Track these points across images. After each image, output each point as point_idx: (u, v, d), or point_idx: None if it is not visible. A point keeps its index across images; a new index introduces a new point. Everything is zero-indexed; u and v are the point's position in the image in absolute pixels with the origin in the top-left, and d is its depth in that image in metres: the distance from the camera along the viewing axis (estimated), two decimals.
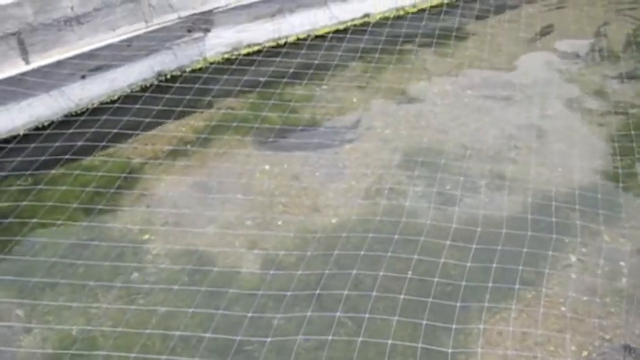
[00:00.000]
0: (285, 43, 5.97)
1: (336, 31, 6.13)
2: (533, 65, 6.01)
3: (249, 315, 3.74)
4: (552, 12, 6.84)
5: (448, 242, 4.16)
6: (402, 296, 3.83)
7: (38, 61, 4.87)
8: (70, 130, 4.88)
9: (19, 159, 4.64)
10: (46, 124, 5.00)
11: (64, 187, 4.54)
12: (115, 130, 4.90)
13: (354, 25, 6.23)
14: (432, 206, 4.46)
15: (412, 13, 6.54)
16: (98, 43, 5.06)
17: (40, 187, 4.52)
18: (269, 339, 3.62)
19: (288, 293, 3.87)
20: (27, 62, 4.85)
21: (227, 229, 4.32)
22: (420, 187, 4.62)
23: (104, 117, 4.97)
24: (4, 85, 4.73)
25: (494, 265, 4.01)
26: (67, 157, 4.70)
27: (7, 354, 3.67)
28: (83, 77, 5.08)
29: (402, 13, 6.51)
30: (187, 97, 5.26)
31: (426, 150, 4.94)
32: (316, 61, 5.71)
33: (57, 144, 4.77)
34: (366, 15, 6.33)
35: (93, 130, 4.89)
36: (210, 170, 4.80)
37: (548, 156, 4.90)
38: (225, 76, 5.49)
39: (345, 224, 4.32)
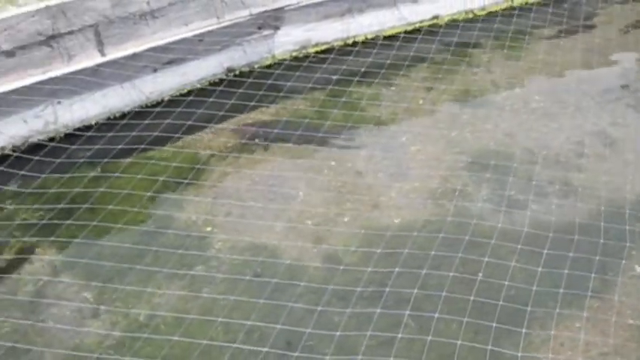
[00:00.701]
0: (354, 43, 5.98)
1: (405, 32, 6.13)
2: (606, 71, 5.90)
3: (313, 308, 3.77)
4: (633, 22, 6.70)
5: (519, 246, 4.12)
6: (471, 298, 3.82)
7: (113, 54, 5.00)
8: (142, 122, 5.00)
9: (96, 147, 4.79)
10: (117, 115, 5.13)
11: (135, 176, 4.65)
12: (185, 123, 5.00)
13: (423, 27, 6.21)
14: (499, 209, 4.42)
15: (482, 16, 6.49)
16: (171, 38, 5.17)
17: (112, 175, 4.64)
18: (337, 332, 3.65)
19: (354, 289, 3.88)
20: (102, 54, 4.98)
21: (292, 224, 4.37)
22: (487, 191, 4.58)
23: (175, 110, 5.07)
24: (80, 75, 4.87)
25: (565, 272, 3.96)
26: (138, 147, 4.83)
27: (77, 334, 3.79)
28: (155, 70, 5.19)
29: (471, 15, 6.47)
30: (255, 93, 5.33)
31: (493, 153, 4.90)
32: (384, 62, 5.72)
33: (131, 134, 4.90)
34: (435, 17, 6.31)
35: (164, 122, 4.99)
36: (276, 165, 4.85)
37: (618, 164, 4.81)
38: (293, 74, 5.54)
39: (409, 224, 4.32)
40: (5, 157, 4.80)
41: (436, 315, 3.71)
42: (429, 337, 3.60)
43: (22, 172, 4.59)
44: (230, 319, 3.74)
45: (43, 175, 4.62)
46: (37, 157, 4.72)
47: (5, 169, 4.65)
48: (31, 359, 3.63)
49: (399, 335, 3.63)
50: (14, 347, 3.68)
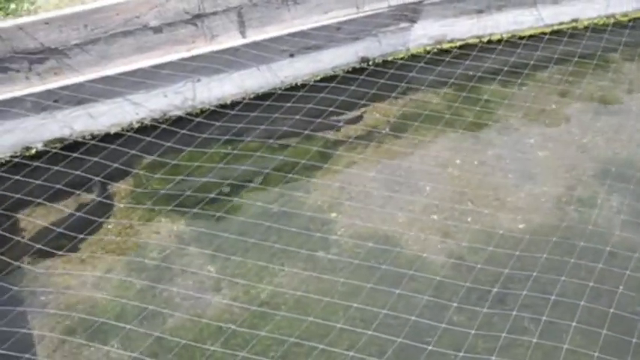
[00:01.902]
0: (489, 41, 5.91)
1: (541, 34, 5.99)
2: None
3: (426, 297, 3.81)
4: None
5: (637, 255, 4.03)
6: (581, 303, 3.76)
7: (253, 36, 5.15)
8: (275, 104, 5.11)
9: (229, 125, 4.95)
10: (251, 96, 5.28)
11: (267, 156, 4.79)
12: (316, 108, 5.08)
13: (561, 30, 6.06)
14: (625, 219, 4.31)
15: (624, 21, 6.27)
16: (310, 24, 5.27)
17: (238, 152, 4.80)
18: (443, 325, 3.67)
19: (476, 286, 3.89)
20: (243, 36, 5.13)
21: (414, 216, 4.39)
22: (615, 201, 4.46)
23: (307, 95, 5.17)
24: (221, 55, 5.05)
25: None
26: (268, 128, 4.95)
27: (198, 305, 3.96)
28: (292, 55, 5.30)
29: (612, 20, 6.26)
30: (387, 84, 5.35)
31: (624, 163, 4.76)
32: (519, 62, 5.62)
33: (263, 115, 5.02)
34: (574, 20, 6.14)
35: (296, 106, 5.09)
36: (401, 157, 4.87)
37: None
38: (426, 68, 5.53)
39: (533, 228, 4.27)
40: (144, 128, 5.05)
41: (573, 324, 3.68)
42: (534, 340, 3.58)
43: (159, 142, 4.80)
44: (350, 304, 3.81)
45: (177, 147, 4.81)
46: (173, 130, 4.93)
47: (147, 139, 4.84)
48: (155, 322, 3.83)
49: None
50: (140, 307, 3.89)
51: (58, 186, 4.47)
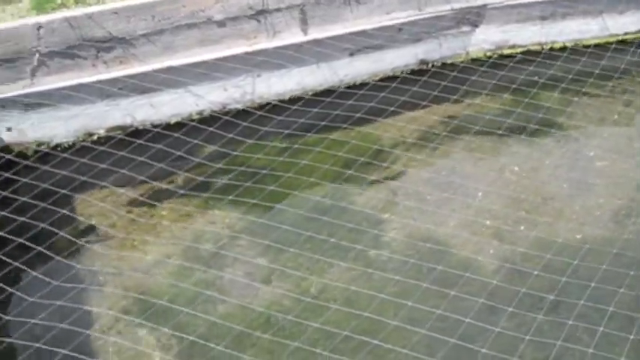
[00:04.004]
0: (551, 49, 5.85)
1: (606, 43, 5.91)
2: None
3: (481, 301, 3.78)
4: None
5: None
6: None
7: (315, 34, 5.20)
8: (334, 101, 5.15)
9: (287, 120, 5.01)
10: (310, 93, 5.32)
11: (327, 152, 4.82)
12: (374, 107, 5.11)
13: (626, 40, 5.97)
14: None
15: None
16: (371, 24, 5.29)
17: (295, 148, 4.86)
18: (496, 329, 3.64)
19: (532, 292, 3.85)
20: (305, 33, 5.19)
21: (468, 220, 4.38)
22: None
23: (366, 94, 5.19)
24: (282, 51, 5.10)
25: None
26: (327, 124, 5.00)
27: (248, 295, 4.01)
28: (352, 54, 5.33)
29: None
30: (445, 87, 5.34)
31: None
32: (581, 70, 5.55)
33: (321, 111, 5.06)
34: None
35: (354, 104, 5.12)
36: (457, 160, 4.87)
37: None
38: (485, 73, 5.50)
39: (591, 238, 4.21)
40: (203, 120, 5.12)
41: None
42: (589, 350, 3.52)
43: (218, 133, 4.88)
44: (401, 302, 3.80)
45: (236, 140, 4.89)
46: (232, 123, 5.00)
47: (209, 129, 4.95)
48: (206, 308, 3.89)
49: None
50: (193, 293, 3.95)
51: (119, 171, 4.60)
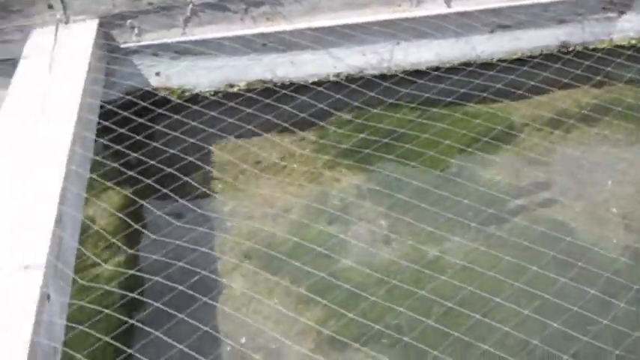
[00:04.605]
0: None
1: None
2: None
3: (592, 292, 3.76)
4: None
5: None
6: None
7: (458, 7, 5.20)
8: (467, 78, 5.18)
9: (418, 91, 5.08)
10: (447, 65, 5.37)
11: (446, 121, 4.89)
12: (507, 84, 5.10)
13: None
14: None
15: None
16: (516, 2, 5.25)
17: (425, 116, 4.94)
18: (605, 321, 3.63)
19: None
20: (448, 5, 5.21)
21: (592, 208, 4.36)
22: None
23: (504, 73, 5.19)
24: (424, 21, 5.16)
25: None
26: (454, 97, 5.06)
27: (368, 254, 4.17)
28: (491, 32, 5.33)
29: None
30: (583, 72, 5.26)
31: None
32: None
33: (451, 88, 5.10)
34: None
35: (485, 79, 5.13)
36: (588, 147, 4.83)
37: None
38: (627, 62, 5.36)
39: None
40: (339, 82, 5.27)
41: None
42: None
43: (352, 97, 5.03)
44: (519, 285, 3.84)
45: (370, 101, 5.02)
46: (365, 87, 5.13)
47: (344, 91, 5.11)
48: (324, 263, 4.06)
49: None
50: (313, 247, 4.12)
51: (253, 124, 4.81)
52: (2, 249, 3.09)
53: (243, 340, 3.80)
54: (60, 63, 4.39)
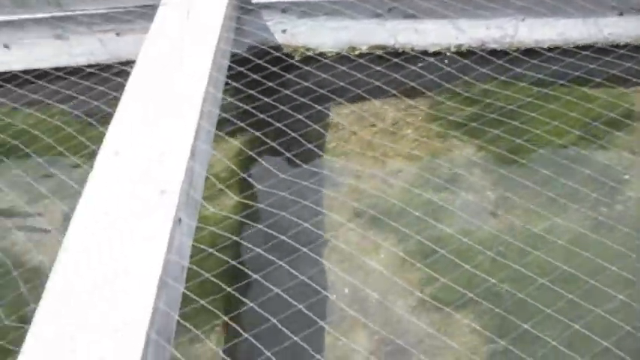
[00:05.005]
0: None
1: None
2: None
3: None
4: None
5: None
6: None
7: None
8: (592, 58, 5.09)
9: (537, 70, 5.07)
10: (570, 45, 5.32)
11: (565, 98, 4.86)
12: (630, 67, 5.00)
13: None
14: None
15: None
16: None
17: (544, 92, 4.92)
18: None
19: None
20: None
21: None
22: None
23: (623, 53, 5.10)
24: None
25: None
26: (575, 75, 4.99)
27: (474, 224, 4.24)
28: (621, 14, 5.24)
29: None
30: None
31: None
32: None
33: (564, 71, 5.01)
34: None
35: (608, 60, 5.01)
36: None
37: None
38: None
39: None
40: (460, 53, 5.33)
41: None
42: None
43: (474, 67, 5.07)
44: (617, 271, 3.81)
45: (489, 74, 5.04)
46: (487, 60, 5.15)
47: (463, 62, 5.17)
48: (432, 226, 4.16)
49: None
50: (419, 211, 4.24)
51: (371, 86, 4.90)
52: (142, 176, 3.39)
53: (346, 291, 3.98)
54: (197, 11, 4.66)
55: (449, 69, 5.07)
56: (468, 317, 3.79)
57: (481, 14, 5.18)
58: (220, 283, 3.53)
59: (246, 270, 3.87)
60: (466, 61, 5.16)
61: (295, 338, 3.30)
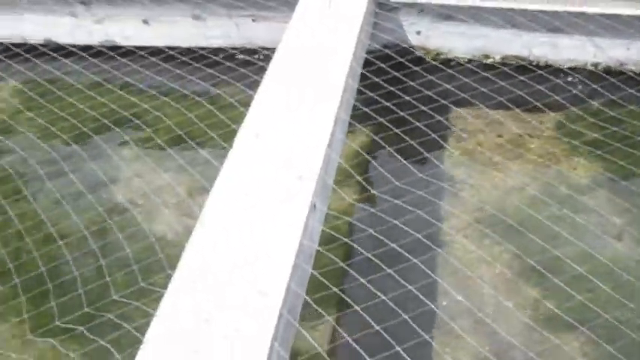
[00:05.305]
0: None
1: None
2: None
3: None
4: None
5: None
6: None
7: None
8: None
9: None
10: None
11: None
12: None
13: None
14: None
15: None
16: None
17: None
18: None
19: None
20: None
21: None
22: None
23: None
24: None
25: None
26: None
27: (599, 240, 4.15)
28: None
29: None
30: None
31: None
32: None
33: None
34: None
35: None
36: None
37: None
38: None
39: None
40: (594, 72, 5.23)
41: None
42: None
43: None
44: None
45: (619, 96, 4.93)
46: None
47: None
48: (552, 241, 4.07)
49: None
50: (546, 225, 4.16)
51: (499, 97, 4.87)
52: (282, 161, 3.48)
53: (459, 298, 3.96)
54: (339, 2, 4.76)
55: (581, 87, 4.99)
56: (578, 340, 3.74)
57: (625, 33, 5.06)
58: (328, 283, 3.45)
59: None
60: (601, 82, 5.06)
61: (398, 348, 3.18)
